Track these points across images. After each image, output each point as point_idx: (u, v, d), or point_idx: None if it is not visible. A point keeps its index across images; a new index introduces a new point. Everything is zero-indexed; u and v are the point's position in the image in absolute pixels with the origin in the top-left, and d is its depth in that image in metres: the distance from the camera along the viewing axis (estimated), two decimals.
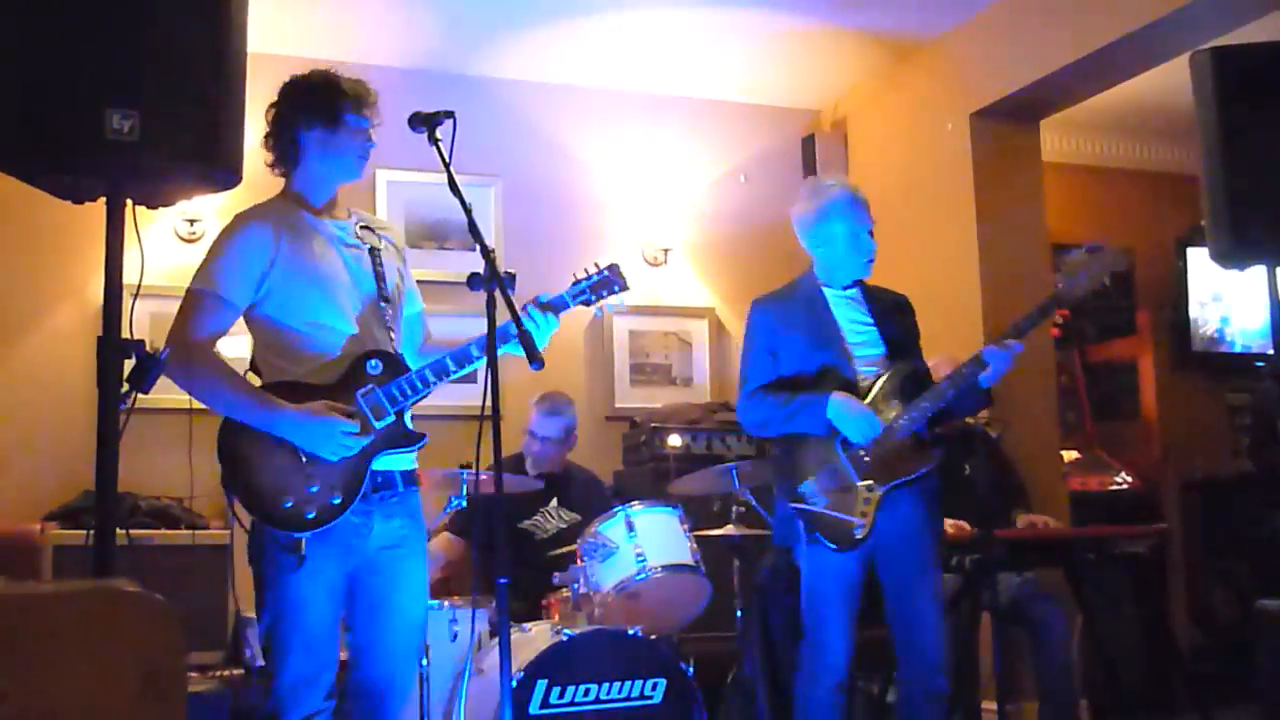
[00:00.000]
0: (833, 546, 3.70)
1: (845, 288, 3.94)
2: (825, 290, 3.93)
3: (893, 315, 3.96)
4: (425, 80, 6.04)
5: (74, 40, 2.71)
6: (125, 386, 2.85)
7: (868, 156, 6.72)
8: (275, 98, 3.18)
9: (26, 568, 4.68)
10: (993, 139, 5.97)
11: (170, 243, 5.65)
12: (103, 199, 2.89)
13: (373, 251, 3.18)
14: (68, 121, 2.71)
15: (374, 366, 3.04)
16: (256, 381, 3.08)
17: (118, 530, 2.82)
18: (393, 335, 3.16)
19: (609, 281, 3.28)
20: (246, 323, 3.11)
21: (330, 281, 3.08)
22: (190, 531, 5.01)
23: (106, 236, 2.86)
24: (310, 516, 2.91)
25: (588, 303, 3.29)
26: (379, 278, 3.16)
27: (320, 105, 3.11)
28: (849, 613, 3.73)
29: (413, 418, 3.16)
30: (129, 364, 2.84)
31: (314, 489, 2.93)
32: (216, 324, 3.04)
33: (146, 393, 2.87)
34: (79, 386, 4.84)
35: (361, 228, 3.22)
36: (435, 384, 3.07)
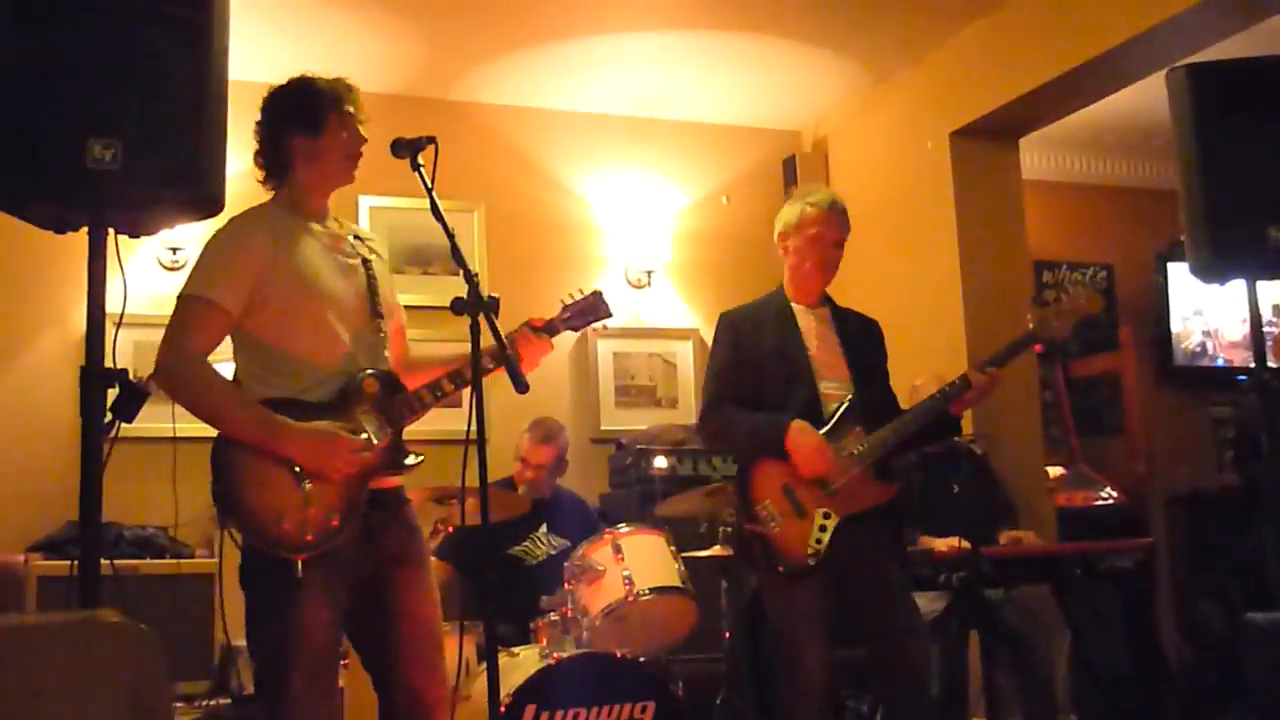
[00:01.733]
0: (788, 572, 3.66)
1: (813, 306, 3.91)
2: (794, 306, 3.90)
3: (861, 338, 3.93)
4: (407, 106, 6.05)
5: (56, 69, 2.71)
6: (108, 416, 2.84)
7: (848, 176, 6.74)
8: (259, 114, 3.13)
9: (10, 599, 4.65)
10: (972, 157, 6.00)
11: (153, 271, 5.64)
12: (85, 228, 2.88)
13: (366, 263, 3.12)
14: (49, 151, 2.70)
15: (370, 385, 2.98)
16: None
17: (102, 560, 2.80)
18: (387, 350, 3.10)
19: (593, 308, 3.31)
20: (233, 335, 3.01)
21: (326, 291, 3.00)
22: (175, 561, 4.99)
23: (89, 265, 2.86)
24: (308, 539, 2.84)
25: (575, 328, 3.31)
26: (372, 290, 3.09)
27: (301, 110, 3.05)
28: (820, 633, 3.67)
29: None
30: (112, 393, 2.83)
31: (311, 509, 2.85)
32: (211, 332, 2.96)
33: (130, 422, 2.86)
34: (62, 416, 4.82)
35: (354, 238, 3.16)
36: (432, 404, 3.03)
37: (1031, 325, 3.77)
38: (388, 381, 3.02)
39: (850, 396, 3.76)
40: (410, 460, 3.04)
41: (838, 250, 3.88)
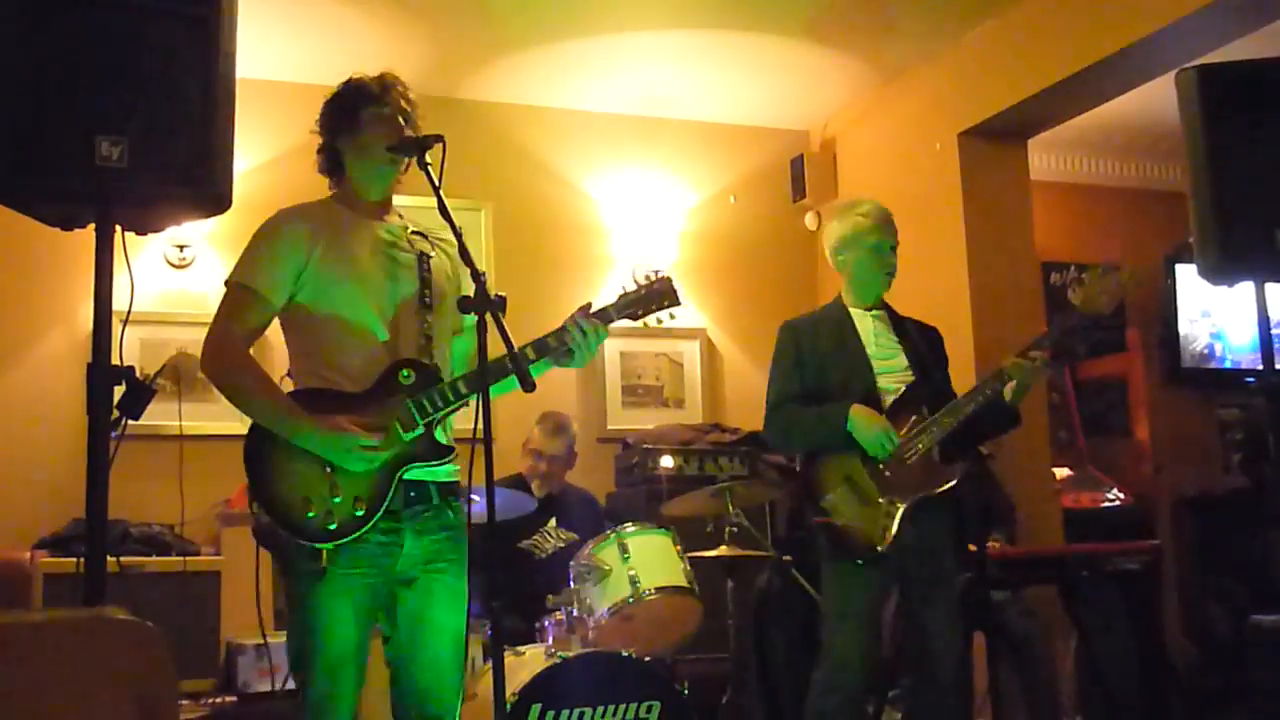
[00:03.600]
0: (858, 561, 3.74)
1: (870, 309, 4.03)
2: (852, 310, 4.03)
3: (920, 339, 4.04)
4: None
5: (64, 67, 2.72)
6: (115, 413, 2.84)
7: (856, 176, 6.73)
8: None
9: (16, 596, 4.66)
10: (981, 158, 5.99)
11: (160, 269, 5.65)
12: (92, 225, 2.89)
13: (422, 257, 3.10)
14: (57, 148, 2.71)
15: (406, 375, 2.96)
16: (290, 387, 3.01)
17: (108, 557, 2.81)
18: (433, 343, 3.06)
19: (658, 296, 3.18)
20: (281, 325, 3.04)
21: (363, 283, 3.00)
22: (181, 558, 4.99)
23: (96, 263, 2.86)
24: (333, 528, 2.83)
25: (634, 316, 3.18)
26: (424, 283, 3.07)
27: (341, 113, 3.09)
28: (871, 629, 3.78)
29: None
30: (119, 390, 2.84)
31: (338, 499, 2.85)
32: (250, 319, 2.97)
33: (137, 419, 2.87)
34: (69, 413, 4.84)
35: (413, 233, 3.15)
36: (467, 396, 2.97)
37: (1076, 302, 3.80)
38: (425, 372, 2.99)
39: (908, 386, 3.86)
40: (441, 452, 2.98)
41: (895, 254, 4.05)
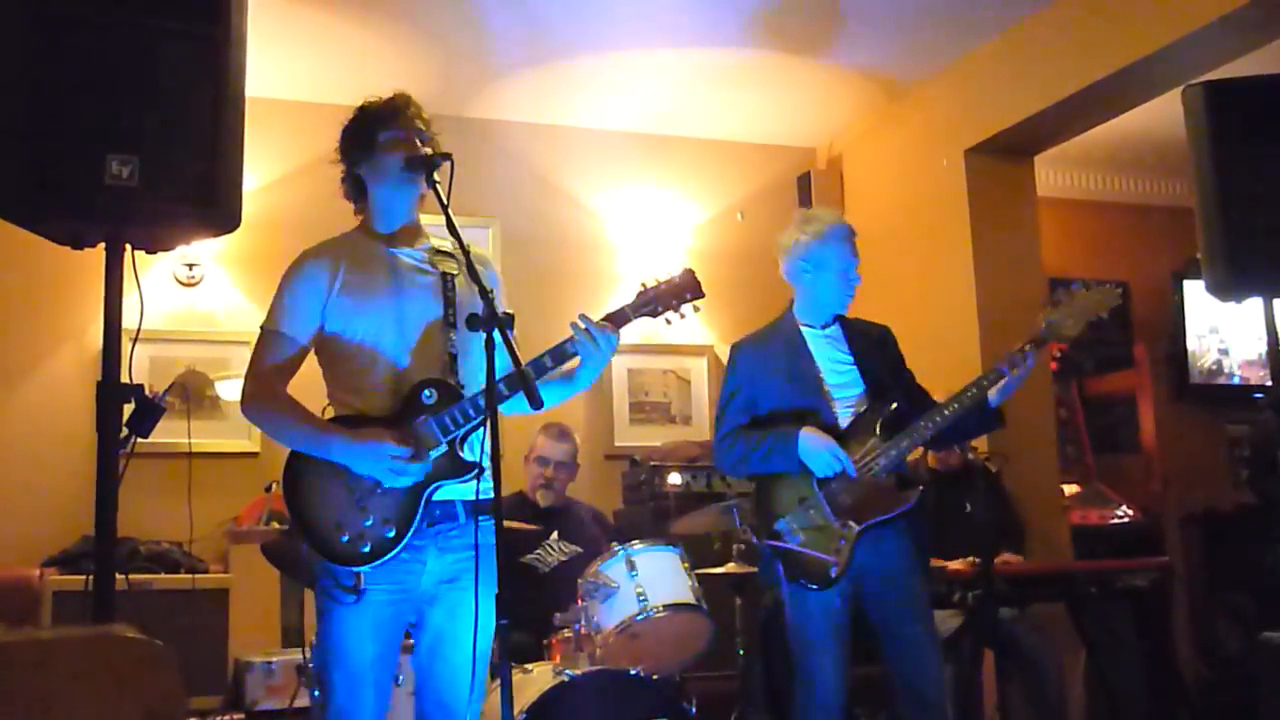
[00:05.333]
0: (812, 586, 3.68)
1: (824, 325, 3.93)
2: (804, 330, 3.92)
3: (873, 351, 3.94)
4: None
5: (74, 87, 2.73)
6: (125, 431, 2.85)
7: (863, 193, 6.74)
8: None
9: (26, 613, 4.66)
10: (987, 174, 6.00)
11: (169, 287, 5.66)
12: (102, 244, 2.90)
13: (445, 277, 3.09)
14: (67, 167, 2.72)
15: (428, 396, 2.96)
16: (331, 415, 3.06)
17: (117, 575, 2.82)
18: (458, 362, 3.05)
19: (680, 289, 3.13)
20: (317, 357, 3.09)
21: (382, 310, 3.02)
22: (190, 576, 4.99)
23: (106, 281, 2.88)
24: (366, 550, 2.87)
25: (654, 313, 3.12)
26: (448, 303, 3.07)
27: (357, 137, 3.12)
28: (838, 650, 3.70)
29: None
30: (128, 408, 2.85)
31: (368, 523, 2.88)
32: (281, 359, 3.03)
33: (146, 437, 2.88)
34: (78, 431, 4.84)
35: (436, 253, 3.14)
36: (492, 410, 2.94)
37: (1042, 325, 3.77)
38: (446, 390, 2.99)
39: (864, 410, 3.78)
40: (465, 468, 2.97)
41: (857, 274, 3.92)
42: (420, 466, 2.91)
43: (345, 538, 2.88)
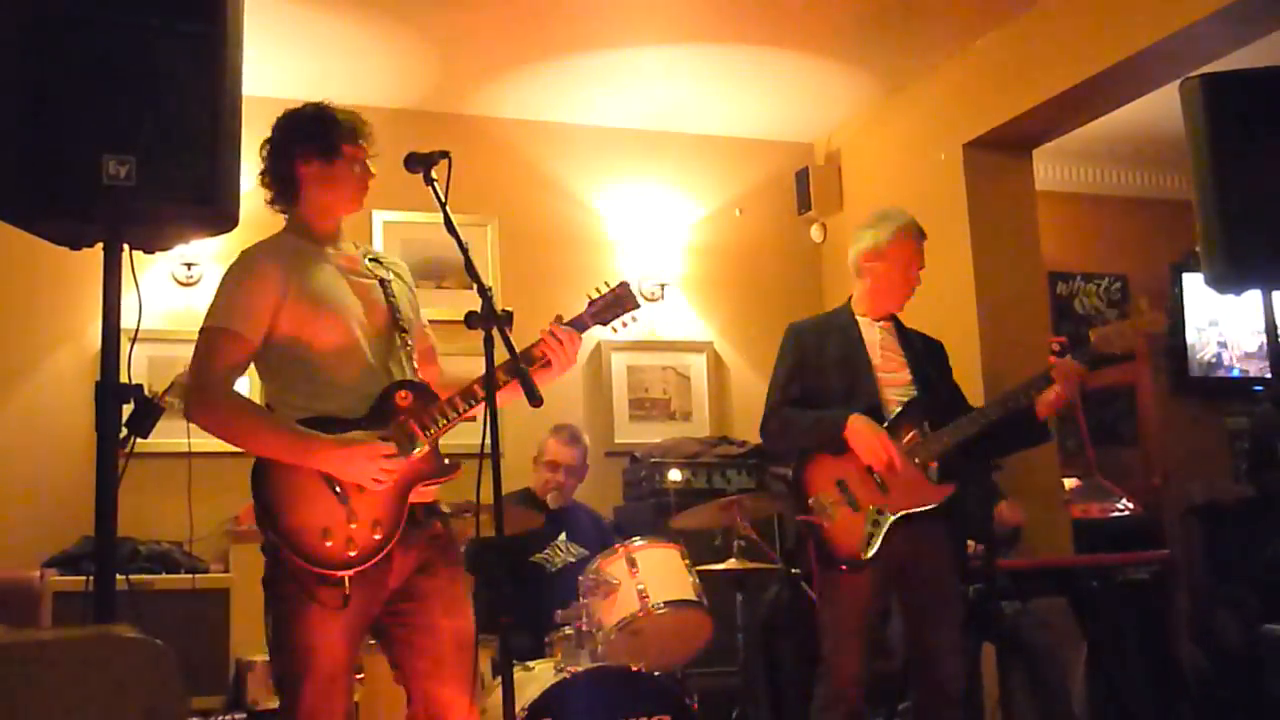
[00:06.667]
0: (842, 567, 3.71)
1: (879, 320, 4.00)
2: (860, 320, 4.01)
3: (926, 353, 4.04)
4: (421, 120, 6.09)
5: (71, 87, 2.73)
6: (124, 431, 2.85)
7: (861, 188, 6.74)
8: (269, 133, 3.14)
9: (26, 614, 4.66)
10: (986, 169, 5.99)
11: (168, 287, 5.66)
12: (100, 244, 2.90)
13: (383, 283, 3.14)
14: (65, 168, 2.72)
15: (404, 398, 2.99)
16: None
17: (117, 575, 2.81)
18: (414, 365, 3.10)
19: (620, 300, 3.25)
20: (258, 362, 3.03)
21: (344, 312, 3.02)
22: (190, 576, 4.99)
23: (104, 281, 2.87)
24: (353, 554, 2.84)
25: (604, 322, 3.23)
26: (393, 308, 3.11)
27: (316, 137, 3.07)
28: (863, 636, 3.73)
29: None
30: (127, 408, 2.84)
31: (354, 525, 2.86)
32: (233, 360, 2.96)
33: (145, 437, 2.87)
34: (77, 431, 4.85)
35: (369, 260, 3.18)
36: (466, 411, 3.01)
37: (1093, 339, 3.80)
38: (421, 392, 3.02)
39: (911, 401, 3.84)
40: (446, 469, 3.01)
41: (920, 271, 4.03)
42: (399, 465, 2.91)
43: (331, 542, 2.84)
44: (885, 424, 3.79)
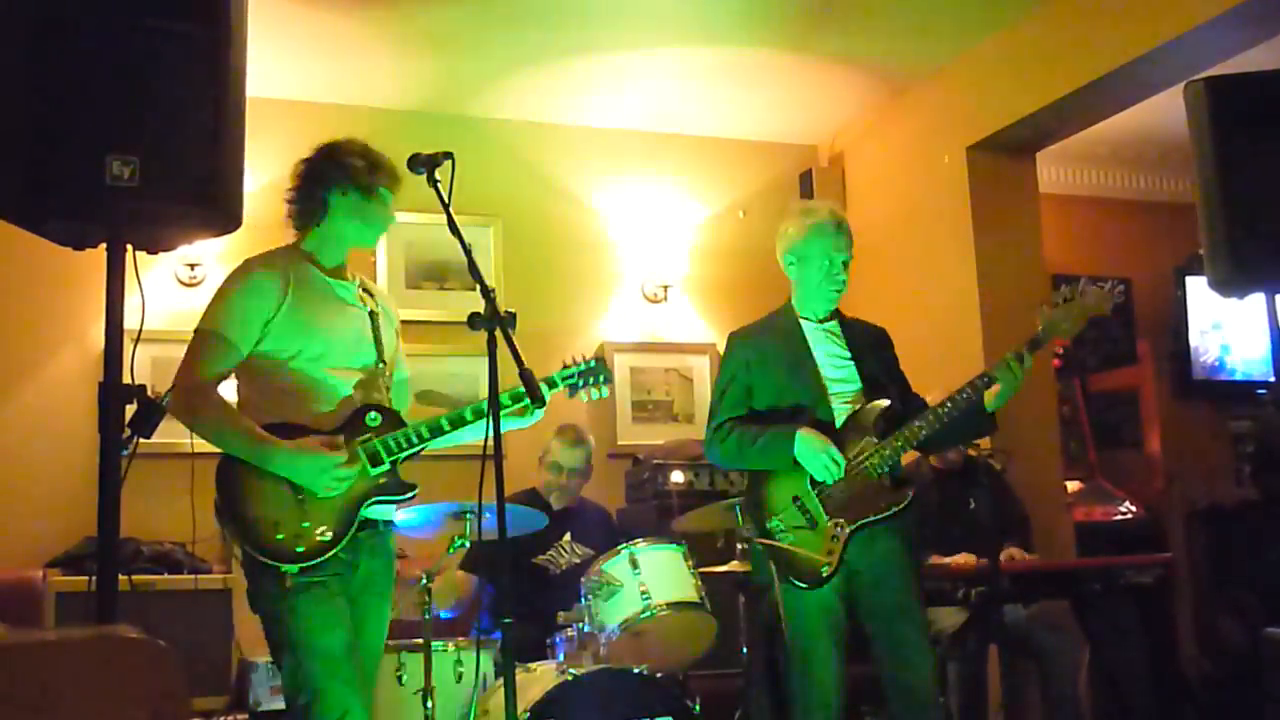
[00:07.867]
0: (802, 585, 3.68)
1: (822, 320, 3.92)
2: (803, 323, 3.91)
3: (871, 350, 3.93)
4: (424, 121, 6.10)
5: (75, 88, 2.73)
6: (127, 431, 2.85)
7: (865, 190, 6.74)
8: (309, 154, 3.24)
9: (28, 614, 4.66)
10: (989, 171, 5.99)
11: (171, 287, 5.66)
12: (103, 245, 2.90)
13: (372, 315, 3.26)
14: (69, 168, 2.73)
15: (373, 419, 3.13)
16: None
17: (120, 576, 2.82)
18: (389, 396, 3.26)
19: (594, 372, 3.47)
20: (238, 372, 3.13)
21: (335, 337, 3.15)
22: (193, 576, 4.99)
23: (107, 282, 2.88)
24: (300, 550, 2.97)
25: (573, 389, 3.44)
26: (377, 341, 3.24)
27: (360, 172, 3.18)
28: (834, 646, 3.70)
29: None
30: (130, 409, 2.85)
31: (306, 524, 2.98)
32: (222, 364, 3.07)
33: (148, 437, 2.88)
34: (80, 432, 4.83)
35: (363, 291, 3.31)
36: (429, 440, 3.16)
37: (1039, 325, 3.76)
38: (389, 416, 3.17)
39: (859, 407, 3.77)
40: (404, 489, 3.17)
41: (846, 270, 3.90)
42: (349, 474, 3.03)
43: (281, 534, 2.96)
44: (835, 432, 3.73)
